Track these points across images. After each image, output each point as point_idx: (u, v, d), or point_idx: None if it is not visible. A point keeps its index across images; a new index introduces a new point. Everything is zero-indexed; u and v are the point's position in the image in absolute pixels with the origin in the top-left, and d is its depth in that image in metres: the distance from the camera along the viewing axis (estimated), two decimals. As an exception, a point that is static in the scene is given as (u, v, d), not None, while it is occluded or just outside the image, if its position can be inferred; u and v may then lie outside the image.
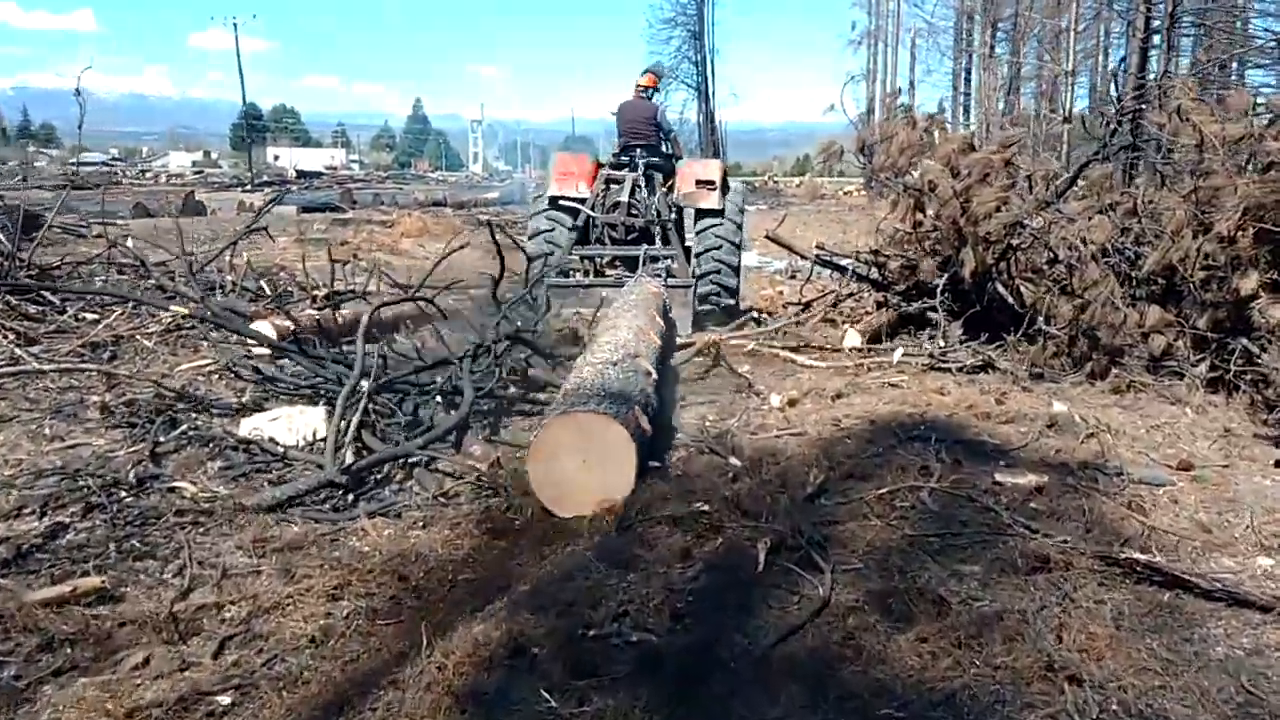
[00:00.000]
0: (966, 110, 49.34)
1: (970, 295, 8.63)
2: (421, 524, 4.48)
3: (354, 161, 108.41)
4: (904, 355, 8.15)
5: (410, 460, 5.13)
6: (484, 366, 6.38)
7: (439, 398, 6.11)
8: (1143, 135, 8.25)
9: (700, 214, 10.55)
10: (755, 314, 10.67)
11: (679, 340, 8.85)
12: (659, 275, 9.93)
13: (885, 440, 5.79)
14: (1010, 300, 8.16)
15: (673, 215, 10.77)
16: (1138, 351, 7.30)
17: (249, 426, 5.49)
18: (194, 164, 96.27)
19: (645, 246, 10.49)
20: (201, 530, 4.26)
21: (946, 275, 8.67)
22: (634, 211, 10.71)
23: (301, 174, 61.86)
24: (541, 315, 8.63)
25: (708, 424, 6.39)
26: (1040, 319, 7.88)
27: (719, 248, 10.40)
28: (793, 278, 16.82)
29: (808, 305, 10.33)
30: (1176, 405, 6.73)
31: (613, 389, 5.17)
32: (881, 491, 4.75)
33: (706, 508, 4.58)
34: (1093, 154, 8.63)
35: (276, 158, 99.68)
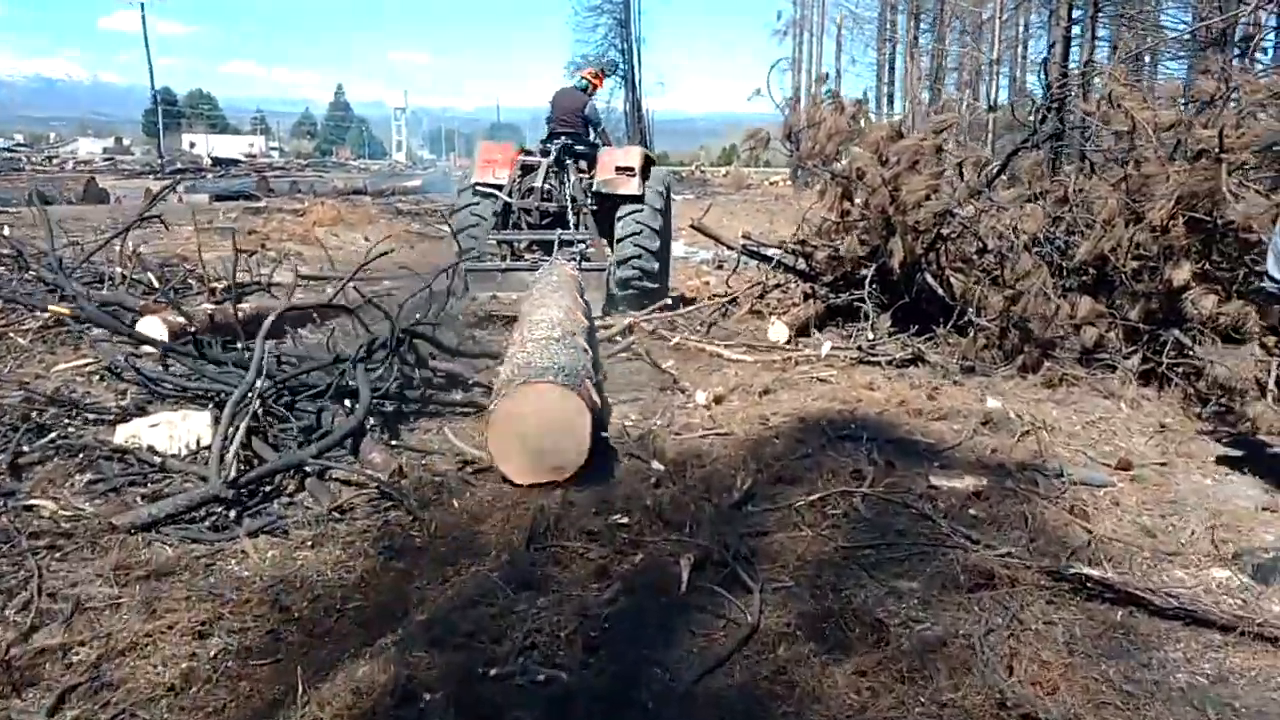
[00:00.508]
0: (891, 100, 49.63)
1: (899, 286, 8.42)
2: (311, 543, 4.05)
3: (274, 149, 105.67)
4: (832, 349, 7.89)
5: (304, 470, 4.69)
6: (382, 364, 5.92)
7: (341, 400, 5.67)
8: (1071, 123, 8.09)
9: (621, 200, 10.55)
10: (674, 300, 10.54)
11: (596, 322, 8.59)
12: (574, 259, 9.96)
13: (815, 440, 5.51)
14: (940, 291, 7.95)
15: (588, 200, 10.78)
16: (1069, 344, 7.14)
17: (125, 434, 5.00)
18: (105, 150, 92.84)
19: (559, 231, 10.54)
20: (58, 555, 3.78)
21: (875, 266, 8.44)
22: (547, 197, 10.80)
23: (217, 161, 59.68)
24: (458, 299, 8.75)
25: (628, 424, 6.04)
26: (970, 310, 7.69)
27: (639, 233, 10.36)
28: (719, 268, 16.60)
29: (734, 298, 10.05)
30: (1110, 399, 6.56)
31: (561, 363, 5.24)
32: (813, 498, 4.45)
33: (626, 520, 4.25)
34: (1020, 142, 8.44)
35: (193, 145, 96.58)
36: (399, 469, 4.78)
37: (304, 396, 5.54)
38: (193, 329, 7.06)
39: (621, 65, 65.77)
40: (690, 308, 10.21)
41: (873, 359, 7.77)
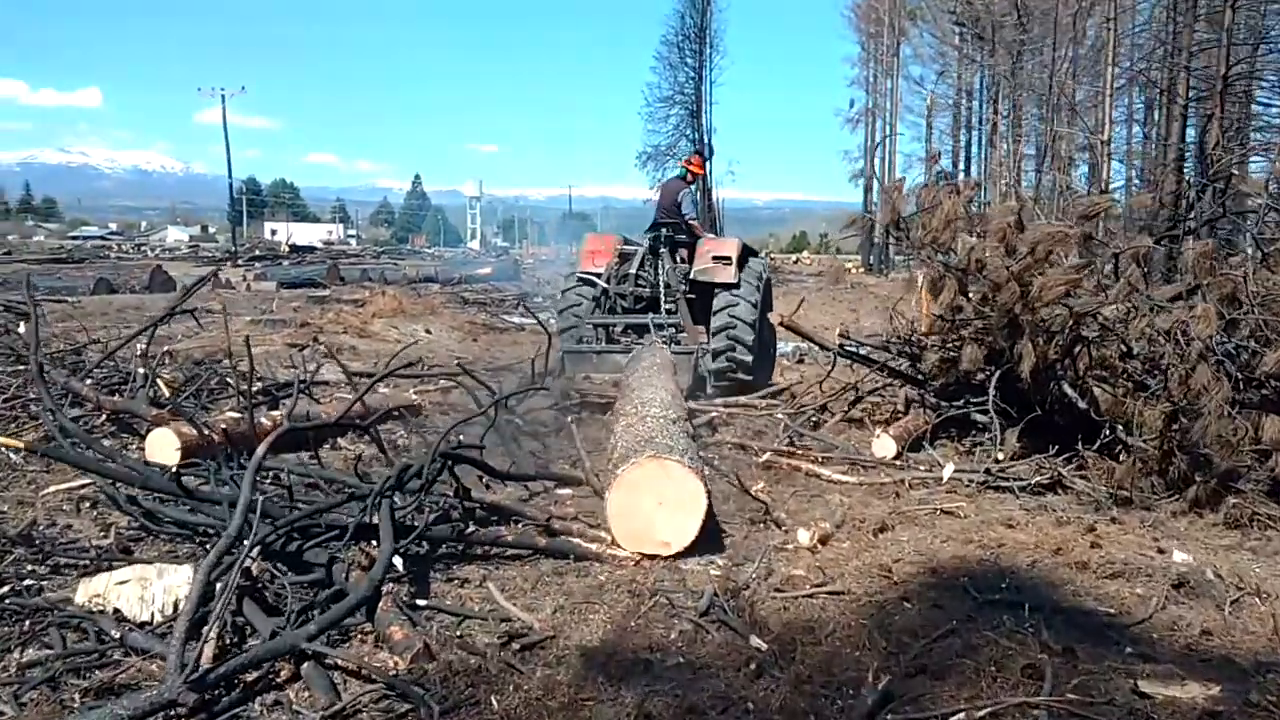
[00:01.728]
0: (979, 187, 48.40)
1: (1027, 396, 7.20)
2: (295, 771, 2.96)
3: (351, 236, 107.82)
4: (955, 471, 6.67)
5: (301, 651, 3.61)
6: (417, 494, 4.88)
7: (361, 541, 4.63)
8: (1237, 205, 6.89)
9: (717, 289, 10.63)
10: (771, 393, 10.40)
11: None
12: (665, 342, 10.19)
13: (957, 605, 4.31)
14: (1081, 404, 6.70)
15: (683, 287, 10.84)
16: (1255, 473, 5.82)
17: (89, 592, 3.99)
18: (191, 238, 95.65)
19: (652, 315, 10.80)
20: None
21: (998, 371, 7.24)
22: (641, 283, 11.05)
23: (295, 248, 60.61)
24: (555, 378, 9.48)
25: (714, 571, 4.89)
26: (1120, 428, 6.43)
27: (733, 326, 10.34)
28: (800, 362, 15.48)
29: (825, 405, 8.90)
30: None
31: (680, 444, 5.53)
32: (981, 715, 3.23)
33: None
34: (1166, 229, 7.23)
35: (274, 232, 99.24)
36: (424, 648, 3.67)
37: (315, 540, 4.50)
38: (210, 442, 6.15)
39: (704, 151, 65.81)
40: (770, 412, 9.21)
41: (1002, 484, 6.55)
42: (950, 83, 59.47)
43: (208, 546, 4.55)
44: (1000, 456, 6.77)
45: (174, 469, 5.57)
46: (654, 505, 5.00)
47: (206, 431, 6.18)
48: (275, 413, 7.16)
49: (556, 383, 9.50)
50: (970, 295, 7.61)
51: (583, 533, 5.18)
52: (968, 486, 6.57)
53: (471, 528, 4.94)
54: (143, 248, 64.45)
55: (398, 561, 4.51)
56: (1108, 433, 6.46)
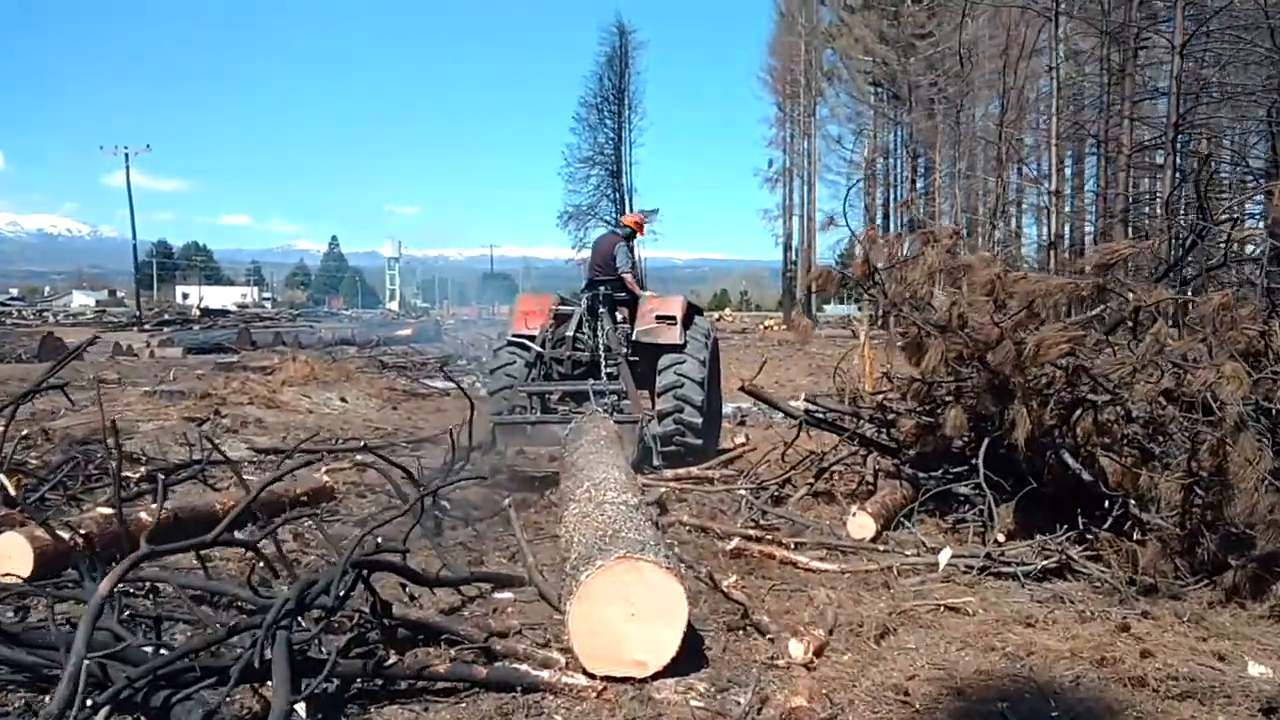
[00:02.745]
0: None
1: (1017, 465, 6.48)
2: None
3: (266, 299, 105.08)
4: (951, 557, 5.86)
5: None
6: (320, 617, 3.88)
7: (254, 682, 3.62)
8: (1246, 249, 6.29)
9: (661, 350, 9.79)
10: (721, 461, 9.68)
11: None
12: (606, 410, 9.13)
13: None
14: (1085, 475, 5.97)
15: (625, 349, 9.91)
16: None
17: None
18: (97, 303, 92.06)
19: (591, 381, 9.79)
20: None
21: (986, 439, 6.50)
22: (580, 346, 10.07)
23: (207, 312, 58.48)
24: (484, 453, 8.52)
25: (696, 703, 3.96)
26: (1132, 503, 5.71)
27: (680, 386, 9.56)
28: (741, 424, 14.74)
29: (788, 478, 8.09)
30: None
31: (647, 537, 4.61)
32: None
33: None
34: (1158, 277, 6.62)
35: (186, 296, 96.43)
36: None
37: (189, 688, 3.47)
38: (72, 547, 5.07)
39: (612, 214, 65.60)
40: (727, 485, 8.38)
41: (1003, 569, 5.77)
42: (866, 141, 60.34)
43: (50, 696, 3.50)
44: (1000, 538, 5.99)
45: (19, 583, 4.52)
46: (625, 617, 4.11)
47: (67, 536, 5.09)
48: (155, 506, 6.07)
49: (487, 458, 8.58)
50: (935, 354, 6.89)
51: (530, 654, 4.23)
52: (965, 574, 5.77)
53: (392, 658, 3.94)
54: (44, 313, 61.59)
55: (300, 710, 3.52)
56: (1119, 508, 5.73)
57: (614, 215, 66.65)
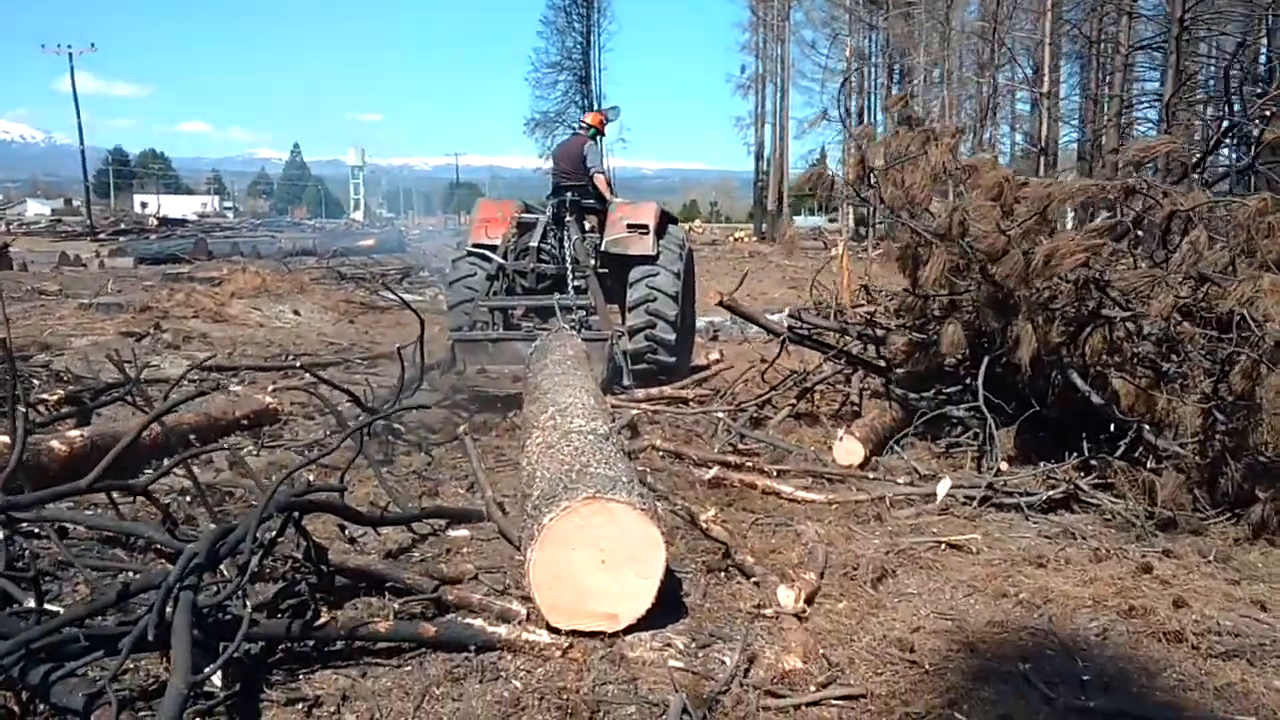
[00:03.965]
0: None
1: (1018, 387, 6.00)
2: None
3: (228, 208, 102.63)
4: (950, 488, 5.38)
5: None
6: (236, 572, 3.31)
7: (158, 650, 3.08)
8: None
9: (633, 262, 9.18)
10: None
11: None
12: (574, 327, 8.66)
13: (1020, 707, 3.01)
14: (1096, 398, 5.48)
15: (593, 261, 9.34)
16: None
17: None
18: (53, 212, 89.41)
19: (557, 296, 9.18)
20: None
21: (986, 357, 6.00)
22: (545, 258, 9.43)
23: (165, 221, 56.52)
24: (442, 373, 8.07)
25: (675, 663, 3.47)
26: (1148, 429, 5.24)
27: (653, 299, 8.99)
28: (714, 338, 14.28)
29: (768, 398, 7.58)
30: None
31: (620, 472, 4.06)
32: None
33: None
34: (1175, 179, 6.06)
35: (144, 205, 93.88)
36: None
37: (78, 660, 2.92)
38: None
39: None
40: (703, 405, 7.89)
41: (1006, 500, 5.31)
42: (843, 46, 58.86)
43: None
44: (1003, 466, 5.52)
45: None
46: (594, 564, 3.63)
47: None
48: (76, 433, 5.48)
49: (446, 377, 8.07)
50: (930, 266, 6.34)
51: (487, 605, 3.73)
52: (964, 505, 5.31)
53: (325, 616, 3.40)
54: (-2, 223, 59.62)
55: (216, 679, 3.01)
56: (1132, 433, 5.26)
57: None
